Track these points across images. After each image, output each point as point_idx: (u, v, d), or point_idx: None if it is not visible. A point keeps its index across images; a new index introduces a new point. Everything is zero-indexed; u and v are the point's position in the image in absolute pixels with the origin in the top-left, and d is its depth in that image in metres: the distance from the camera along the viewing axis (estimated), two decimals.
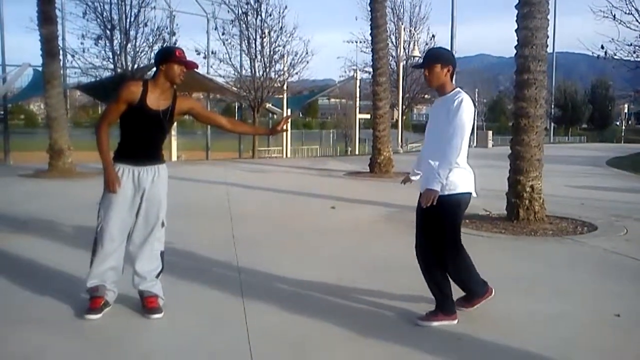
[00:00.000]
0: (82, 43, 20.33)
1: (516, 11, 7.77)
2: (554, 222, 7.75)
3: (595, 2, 15.15)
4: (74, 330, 3.93)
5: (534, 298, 4.72)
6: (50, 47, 13.75)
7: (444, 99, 4.01)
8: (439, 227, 3.98)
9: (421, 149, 4.34)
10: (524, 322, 4.16)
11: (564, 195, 10.27)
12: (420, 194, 3.96)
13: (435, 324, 4.00)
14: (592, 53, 16.14)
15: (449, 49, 31.00)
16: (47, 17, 13.65)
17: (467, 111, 3.81)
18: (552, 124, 47.55)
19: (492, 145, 31.96)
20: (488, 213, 8.28)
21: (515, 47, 7.83)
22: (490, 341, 3.78)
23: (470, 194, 4.00)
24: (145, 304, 4.18)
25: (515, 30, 7.78)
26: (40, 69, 15.30)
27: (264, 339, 3.80)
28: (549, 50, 8.14)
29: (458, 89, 4.01)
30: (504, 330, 3.95)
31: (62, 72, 15.92)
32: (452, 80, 4.05)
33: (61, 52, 16.09)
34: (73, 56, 20.55)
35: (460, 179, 3.92)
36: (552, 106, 45.74)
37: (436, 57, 4.03)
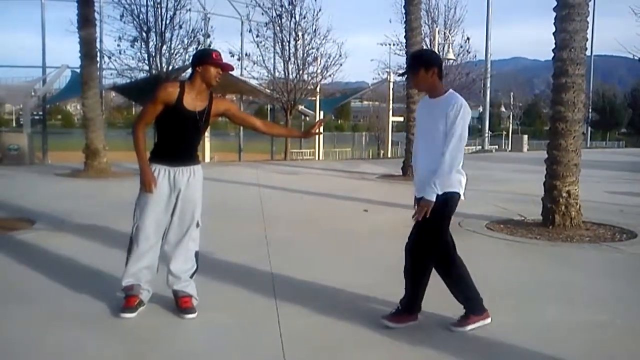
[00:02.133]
0: (118, 45, 20.70)
1: (554, 14, 7.63)
2: (591, 228, 7.58)
3: (637, 4, 14.81)
4: (109, 328, 3.99)
5: (570, 306, 4.63)
6: (88, 49, 14.04)
7: (437, 102, 3.85)
8: (425, 225, 3.85)
9: (414, 153, 4.13)
10: (559, 330, 4.08)
11: (601, 201, 10.04)
12: (418, 203, 3.88)
13: (470, 327, 3.95)
14: (633, 56, 15.78)
15: (485, 51, 30.44)
16: (86, 19, 13.93)
17: (466, 119, 3.75)
18: (589, 129, 46.64)
19: (528, 150, 31.52)
20: (523, 218, 8.16)
21: (553, 50, 7.69)
22: (524, 348, 3.71)
23: (459, 194, 3.87)
24: (179, 304, 4.23)
25: (553, 33, 7.64)
26: (77, 70, 15.62)
27: (296, 340, 3.80)
28: (587, 53, 7.97)
29: (451, 91, 3.90)
30: (538, 338, 3.87)
31: (98, 73, 16.18)
32: (441, 80, 3.91)
33: (98, 53, 16.38)
34: (110, 58, 20.94)
35: (452, 180, 3.79)
36: (590, 110, 44.91)
37: (418, 60, 3.92)
